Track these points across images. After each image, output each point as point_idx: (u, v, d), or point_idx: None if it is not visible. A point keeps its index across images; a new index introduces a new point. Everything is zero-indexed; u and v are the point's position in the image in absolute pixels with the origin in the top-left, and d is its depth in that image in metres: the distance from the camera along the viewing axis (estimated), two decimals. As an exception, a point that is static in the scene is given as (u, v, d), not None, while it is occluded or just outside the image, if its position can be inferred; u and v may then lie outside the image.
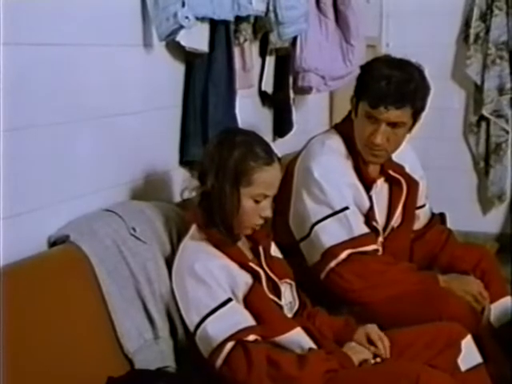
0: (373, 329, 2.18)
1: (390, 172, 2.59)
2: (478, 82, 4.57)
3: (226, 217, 2.04)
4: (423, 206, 2.80)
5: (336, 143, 2.56)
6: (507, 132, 4.60)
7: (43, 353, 1.78)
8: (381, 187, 2.59)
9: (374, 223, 2.54)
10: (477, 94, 4.63)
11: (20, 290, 1.78)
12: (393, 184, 2.61)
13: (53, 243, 2.04)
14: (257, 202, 2.06)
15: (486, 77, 4.52)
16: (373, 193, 2.55)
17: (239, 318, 2.00)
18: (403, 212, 2.63)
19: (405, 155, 2.63)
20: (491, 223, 4.75)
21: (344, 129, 2.58)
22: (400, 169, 2.62)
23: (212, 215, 2.06)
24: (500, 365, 2.41)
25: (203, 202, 2.08)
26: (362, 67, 2.54)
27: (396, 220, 2.62)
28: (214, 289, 1.99)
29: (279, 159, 2.11)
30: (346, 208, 2.47)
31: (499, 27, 4.46)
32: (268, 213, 2.08)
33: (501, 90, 4.54)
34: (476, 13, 4.50)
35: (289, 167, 2.59)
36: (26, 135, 1.94)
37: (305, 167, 2.53)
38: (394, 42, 4.66)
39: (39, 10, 1.94)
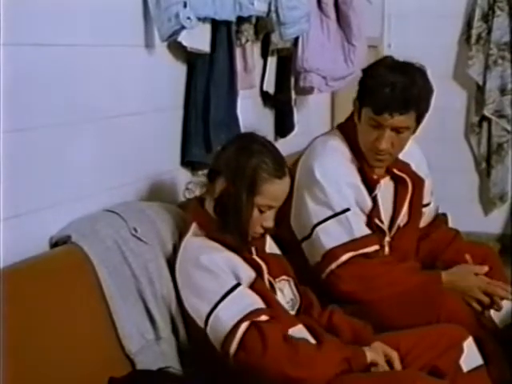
0: (389, 348, 2.10)
1: (395, 171, 2.58)
2: (480, 83, 4.57)
3: (241, 223, 2.04)
4: (428, 204, 2.79)
5: (338, 143, 2.56)
6: (509, 132, 4.61)
7: (44, 353, 1.77)
8: (385, 186, 2.58)
9: (379, 223, 2.54)
10: (478, 94, 4.63)
11: (21, 291, 1.77)
12: (398, 182, 2.60)
13: (54, 244, 2.04)
14: (261, 211, 2.06)
15: (487, 77, 4.53)
16: (377, 192, 2.54)
17: (250, 300, 1.99)
18: (409, 210, 2.62)
19: (411, 153, 2.62)
20: (493, 224, 4.75)
21: (347, 129, 2.57)
22: (405, 167, 2.61)
23: (226, 221, 2.05)
24: (501, 367, 2.40)
25: (217, 208, 2.08)
26: (365, 71, 2.52)
27: (402, 219, 2.61)
28: (222, 276, 1.99)
29: (290, 173, 2.12)
30: (347, 209, 2.46)
31: (501, 28, 4.47)
32: (270, 223, 2.09)
33: (502, 91, 4.55)
34: (478, 13, 4.51)
35: (292, 168, 2.59)
36: (26, 136, 1.93)
37: (306, 167, 2.53)
38: (395, 43, 4.66)
39: (39, 10, 1.93)
